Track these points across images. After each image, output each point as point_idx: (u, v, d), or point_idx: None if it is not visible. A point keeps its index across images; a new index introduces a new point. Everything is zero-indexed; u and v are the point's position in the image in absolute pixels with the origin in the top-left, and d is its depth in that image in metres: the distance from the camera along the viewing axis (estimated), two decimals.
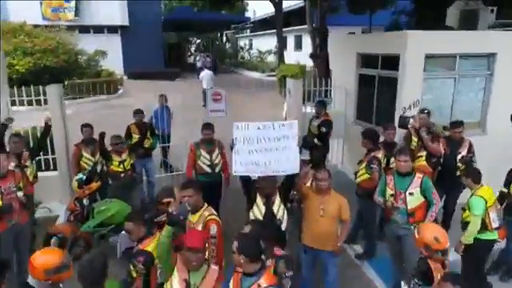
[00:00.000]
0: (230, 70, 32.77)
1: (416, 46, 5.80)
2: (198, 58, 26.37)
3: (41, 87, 6.98)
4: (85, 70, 18.90)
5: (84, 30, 24.14)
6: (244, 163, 4.17)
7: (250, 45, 46.68)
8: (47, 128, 5.79)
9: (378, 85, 6.82)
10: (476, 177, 4.25)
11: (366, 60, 7.11)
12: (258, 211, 3.98)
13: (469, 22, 7.32)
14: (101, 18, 23.65)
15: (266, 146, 4.20)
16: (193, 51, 62.53)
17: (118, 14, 24.18)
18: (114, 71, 20.37)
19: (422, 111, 5.43)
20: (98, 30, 24.66)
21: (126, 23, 24.71)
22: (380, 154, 5.01)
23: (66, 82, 15.82)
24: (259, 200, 4.03)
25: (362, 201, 5.14)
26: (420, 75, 5.96)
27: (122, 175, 5.85)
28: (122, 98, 17.88)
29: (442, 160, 5.25)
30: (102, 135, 5.82)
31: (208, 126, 5.81)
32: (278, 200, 4.03)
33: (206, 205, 3.68)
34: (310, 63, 31.03)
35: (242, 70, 31.40)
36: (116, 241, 4.49)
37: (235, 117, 14.17)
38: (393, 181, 4.27)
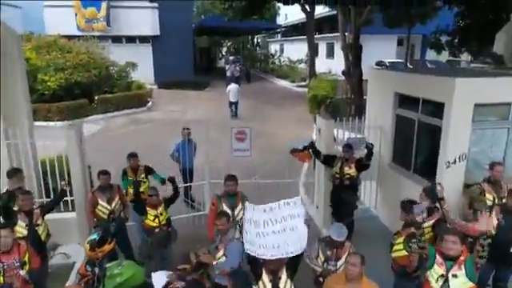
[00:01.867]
0: (259, 76, 32.39)
1: (465, 94, 5.15)
2: (227, 66, 26.08)
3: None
4: (116, 82, 19.07)
5: (116, 40, 24.49)
6: (253, 244, 4.05)
7: (281, 49, 46.16)
8: (62, 193, 5.54)
9: (417, 130, 6.18)
10: None
11: (405, 101, 6.47)
12: None
13: None
14: (133, 27, 23.88)
15: (273, 228, 4.15)
16: (224, 53, 62.86)
17: (149, 24, 24.35)
18: (145, 83, 20.47)
19: (493, 165, 4.92)
20: (130, 39, 24.92)
21: (157, 33, 24.83)
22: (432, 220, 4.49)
23: (96, 97, 15.97)
24: (265, 276, 3.83)
25: (397, 278, 4.57)
26: (468, 126, 5.30)
27: (157, 230, 5.37)
28: (150, 111, 17.88)
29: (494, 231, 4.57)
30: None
31: (231, 178, 5.37)
32: (284, 275, 3.82)
33: None
34: (339, 72, 30.30)
35: (271, 78, 30.95)
36: None
37: (262, 134, 13.76)
38: (444, 265, 3.69)
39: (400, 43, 28.86)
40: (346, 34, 15.15)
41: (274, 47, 50.57)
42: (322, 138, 6.84)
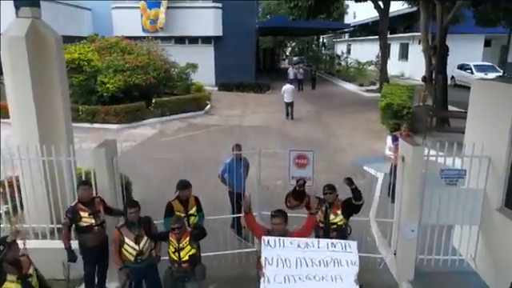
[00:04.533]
0: (324, 78, 30.56)
1: None
2: (289, 68, 24.75)
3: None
4: (175, 84, 18.64)
5: (179, 40, 24.28)
6: None
7: (348, 50, 43.75)
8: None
9: None
10: None
11: None
12: None
13: None
14: (195, 28, 23.47)
15: (309, 272, 3.21)
16: (287, 54, 61.59)
17: (211, 24, 23.79)
18: (205, 85, 19.87)
19: None
20: (193, 40, 24.58)
21: (220, 33, 24.20)
22: None
23: (153, 100, 15.53)
24: None
25: None
26: None
27: (176, 266, 4.50)
28: (207, 115, 17.14)
29: None
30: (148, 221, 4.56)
31: (279, 215, 4.12)
32: None
33: None
34: (416, 75, 27.51)
35: (337, 80, 29.03)
36: None
37: (325, 147, 12.24)
38: None
39: (487, 44, 25.41)
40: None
41: (340, 48, 48.21)
42: (406, 170, 5.26)
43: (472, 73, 21.13)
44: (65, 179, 5.54)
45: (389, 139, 12.05)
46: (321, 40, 50.03)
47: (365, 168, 10.17)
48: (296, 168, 5.66)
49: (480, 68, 21.02)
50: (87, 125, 14.50)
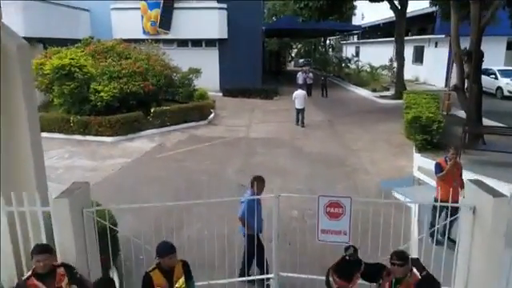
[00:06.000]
0: (333, 82, 29.07)
1: None
2: (299, 73, 23.34)
3: None
4: (177, 90, 17.34)
5: (182, 43, 22.97)
6: None
7: (357, 53, 42.27)
8: None
9: None
10: None
11: None
12: None
13: None
14: (199, 30, 22.13)
15: None
16: (293, 56, 60.13)
17: (216, 26, 22.44)
18: (208, 90, 18.52)
19: None
20: (196, 43, 23.25)
21: (225, 36, 22.85)
22: None
23: (152, 109, 14.20)
24: None
25: None
26: None
27: None
28: (211, 125, 15.76)
29: None
30: None
31: None
32: None
33: None
34: (432, 79, 26.05)
35: (347, 85, 27.58)
36: None
37: (342, 166, 10.76)
38: None
39: (510, 46, 23.88)
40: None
41: (349, 50, 46.76)
42: (480, 226, 3.85)
43: (496, 78, 19.63)
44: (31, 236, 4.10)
45: (416, 157, 10.71)
46: (328, 42, 48.58)
47: (394, 194, 8.76)
48: (327, 219, 4.27)
49: (505, 73, 19.51)
50: (79, 137, 13.19)
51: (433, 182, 9.17)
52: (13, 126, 4.54)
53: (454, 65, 20.45)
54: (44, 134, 13.40)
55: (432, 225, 5.91)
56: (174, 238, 5.15)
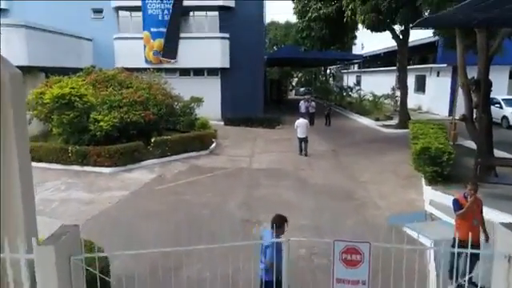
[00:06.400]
0: (335, 111, 28.91)
1: None
2: (301, 102, 23.21)
3: None
4: (178, 119, 17.12)
5: (184, 72, 23.00)
6: None
7: (358, 82, 42.51)
8: None
9: None
10: None
11: None
12: None
13: None
14: (201, 59, 22.22)
15: None
16: (294, 85, 60.59)
17: (219, 56, 22.52)
18: (210, 119, 18.29)
19: None
20: (198, 72, 23.28)
21: (227, 65, 22.89)
22: None
23: (152, 139, 13.88)
24: None
25: None
26: None
27: None
28: (213, 155, 15.40)
29: None
30: None
31: None
32: None
33: None
34: (435, 108, 25.91)
35: (350, 114, 27.42)
36: None
37: (349, 199, 10.29)
38: None
39: None
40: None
41: (350, 79, 47.13)
42: None
43: (501, 107, 19.43)
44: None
45: (427, 190, 10.26)
46: (328, 71, 49.03)
47: (406, 230, 8.27)
48: (343, 266, 3.82)
49: (510, 103, 19.32)
50: (77, 167, 12.82)
51: (446, 217, 8.75)
52: (5, 160, 4.16)
53: (458, 94, 20.60)
54: (42, 165, 13.28)
55: (451, 266, 5.44)
56: (173, 280, 4.71)
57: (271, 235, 4.70)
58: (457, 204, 5.89)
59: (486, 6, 7.66)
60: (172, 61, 22.23)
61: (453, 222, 8.50)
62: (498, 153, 11.91)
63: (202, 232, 8.35)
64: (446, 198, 9.42)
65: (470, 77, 11.44)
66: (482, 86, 10.09)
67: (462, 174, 10.86)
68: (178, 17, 21.91)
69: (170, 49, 22.05)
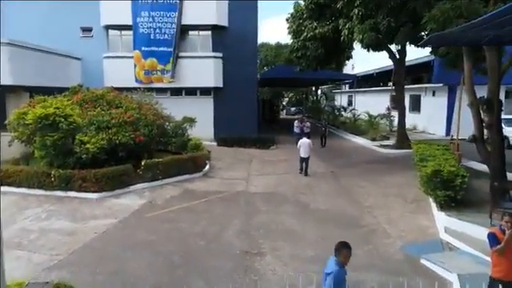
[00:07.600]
0: (330, 132, 28.43)
1: None
2: (295, 122, 22.62)
3: None
4: (170, 140, 16.33)
5: (175, 92, 22.34)
6: None
7: (350, 101, 42.39)
8: None
9: None
10: None
11: None
12: None
13: None
14: (194, 79, 21.65)
15: None
16: (284, 104, 60.45)
17: (212, 76, 21.97)
18: (203, 140, 17.51)
19: None
20: (190, 92, 22.66)
21: (220, 85, 22.33)
22: None
23: (142, 162, 13.03)
24: None
25: None
26: None
27: None
28: (206, 177, 14.55)
29: None
30: None
31: None
32: None
33: None
34: (431, 128, 25.61)
35: (344, 134, 26.92)
36: None
37: (355, 227, 9.35)
38: None
39: (508, 95, 23.72)
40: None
41: (342, 99, 47.09)
42: None
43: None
44: None
45: (440, 216, 9.55)
46: (319, 91, 48.97)
47: (424, 262, 7.52)
48: None
49: (510, 122, 18.96)
50: (60, 193, 11.84)
51: (466, 247, 8.04)
52: None
53: (454, 114, 20.27)
54: (22, 190, 12.25)
55: None
56: None
57: (334, 263, 4.48)
58: (494, 239, 5.18)
59: (498, 23, 7.22)
60: (174, 80, 21.68)
61: (473, 251, 7.86)
62: (508, 175, 11.35)
63: (199, 266, 7.54)
64: (462, 225, 8.75)
65: (482, 96, 10.99)
66: (496, 106, 9.58)
67: (474, 198, 10.23)
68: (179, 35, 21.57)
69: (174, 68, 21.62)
